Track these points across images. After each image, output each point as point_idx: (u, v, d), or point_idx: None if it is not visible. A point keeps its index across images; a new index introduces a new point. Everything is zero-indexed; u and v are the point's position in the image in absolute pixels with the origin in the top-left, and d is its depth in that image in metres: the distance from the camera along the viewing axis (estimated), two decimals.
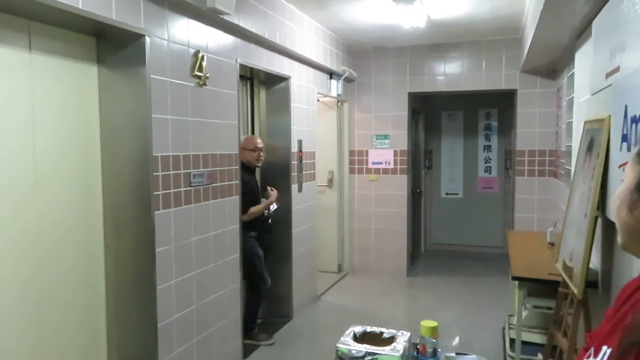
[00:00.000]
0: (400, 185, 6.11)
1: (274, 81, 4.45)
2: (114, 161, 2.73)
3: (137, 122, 2.69)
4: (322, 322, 4.57)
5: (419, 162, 7.28)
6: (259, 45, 3.88)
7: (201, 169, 3.16)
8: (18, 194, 2.26)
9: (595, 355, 0.89)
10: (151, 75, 2.69)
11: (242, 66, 3.68)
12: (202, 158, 3.17)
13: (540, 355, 3.28)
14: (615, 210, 0.85)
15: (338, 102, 5.92)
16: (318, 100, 5.30)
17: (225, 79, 3.41)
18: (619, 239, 0.88)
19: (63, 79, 2.49)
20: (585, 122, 2.94)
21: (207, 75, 3.16)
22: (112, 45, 2.67)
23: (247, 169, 3.94)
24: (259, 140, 4.06)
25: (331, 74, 5.48)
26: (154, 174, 2.73)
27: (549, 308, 3.07)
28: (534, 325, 3.63)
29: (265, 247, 4.19)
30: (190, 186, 3.06)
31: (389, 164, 6.09)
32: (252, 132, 4.49)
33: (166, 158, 2.83)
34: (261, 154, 4.05)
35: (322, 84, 5.30)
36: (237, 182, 3.60)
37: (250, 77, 4.40)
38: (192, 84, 3.06)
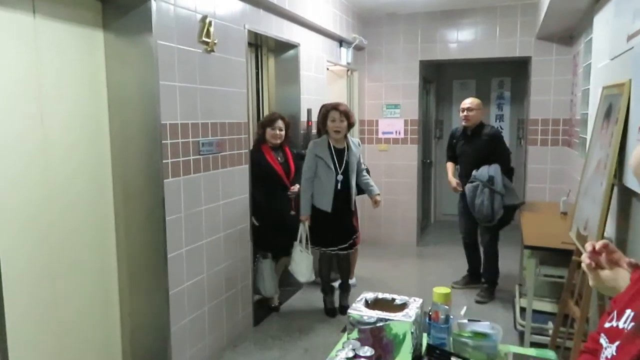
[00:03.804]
0: (410, 156, 6.06)
1: (283, 49, 4.37)
2: (123, 129, 2.71)
3: (145, 89, 2.65)
4: None
5: (430, 132, 7.20)
6: (267, 11, 3.79)
7: (210, 138, 3.12)
8: (26, 164, 2.25)
9: (619, 319, 0.86)
10: (158, 41, 2.63)
11: (251, 33, 3.61)
12: (211, 126, 3.14)
13: (550, 324, 3.28)
14: (635, 169, 0.81)
15: (348, 70, 5.82)
16: (327, 69, 5.21)
17: (234, 46, 3.35)
18: None
19: (68, 44, 2.45)
20: (603, 88, 2.86)
21: (215, 42, 3.09)
22: (117, 10, 2.61)
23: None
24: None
25: (341, 42, 5.37)
26: (163, 142, 2.71)
27: (560, 277, 3.05)
28: (545, 294, 3.62)
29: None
30: (200, 155, 3.03)
31: (400, 133, 6.03)
32: (262, 101, 4.44)
33: (175, 126, 2.80)
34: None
35: (331, 52, 5.20)
36: (246, 151, 3.58)
37: (259, 44, 4.32)
38: (200, 51, 3.00)
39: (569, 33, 5.11)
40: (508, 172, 4.25)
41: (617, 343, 0.82)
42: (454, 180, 4.51)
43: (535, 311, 3.30)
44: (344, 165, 3.87)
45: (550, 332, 3.12)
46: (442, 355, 1.56)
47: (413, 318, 1.55)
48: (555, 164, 5.45)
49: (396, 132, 6.01)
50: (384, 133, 6.09)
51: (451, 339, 1.70)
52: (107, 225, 2.73)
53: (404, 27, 5.87)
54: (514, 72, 6.85)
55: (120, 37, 2.63)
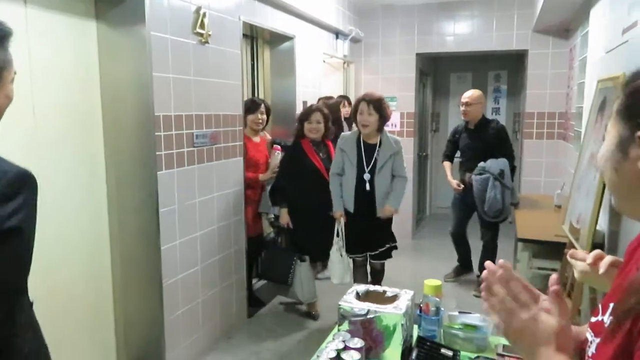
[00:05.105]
0: (406, 148, 5.98)
1: (278, 41, 4.35)
2: (116, 120, 2.69)
3: (138, 81, 2.63)
4: (326, 283, 4.60)
5: (426, 125, 7.19)
6: (263, 2, 3.77)
7: (204, 130, 3.11)
8: (16, 155, 2.23)
9: (604, 313, 0.86)
10: (151, 32, 2.62)
11: (246, 24, 3.59)
12: (205, 118, 3.12)
13: None
14: (603, 171, 0.81)
15: (344, 63, 5.80)
16: (324, 61, 5.19)
17: (228, 38, 3.33)
18: (613, 200, 0.85)
19: (60, 35, 2.43)
20: (598, 82, 2.85)
21: (210, 33, 3.08)
22: (110, 0, 2.59)
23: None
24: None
25: (337, 34, 5.35)
26: (156, 134, 2.70)
27: (553, 270, 3.06)
28: (538, 287, 3.63)
29: None
30: (194, 147, 3.02)
31: (396, 126, 6.02)
32: (257, 94, 4.42)
33: (168, 118, 2.79)
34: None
35: (328, 44, 5.18)
36: (241, 143, 3.56)
37: (254, 36, 4.29)
38: (194, 42, 2.99)
39: (566, 26, 5.10)
40: (511, 170, 4.23)
41: (599, 339, 0.82)
42: (454, 182, 4.46)
43: None
44: (372, 163, 3.41)
45: None
46: (432, 346, 1.57)
47: (403, 310, 1.55)
48: (551, 157, 5.46)
49: (392, 124, 6.00)
50: None
51: (442, 330, 1.71)
52: (100, 216, 2.73)
53: (401, 19, 5.84)
54: (511, 66, 6.84)
55: (113, 28, 2.61)
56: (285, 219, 3.66)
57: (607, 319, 0.85)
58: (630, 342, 0.68)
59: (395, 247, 3.60)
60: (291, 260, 3.67)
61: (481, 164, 4.12)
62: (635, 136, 0.73)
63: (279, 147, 3.93)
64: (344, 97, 4.96)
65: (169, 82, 2.79)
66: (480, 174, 4.11)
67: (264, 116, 3.87)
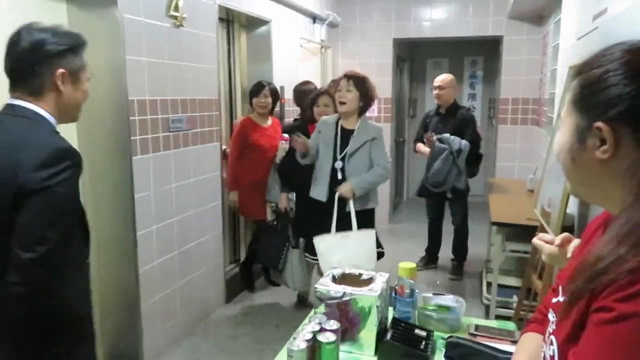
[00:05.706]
0: (384, 134, 6.07)
1: (254, 24, 4.30)
2: (89, 105, 2.60)
3: (111, 65, 2.59)
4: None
5: (403, 111, 7.23)
6: None
7: (180, 114, 3.08)
8: None
9: (564, 293, 0.90)
10: (124, 15, 2.57)
11: (222, 8, 3.54)
12: (181, 103, 3.09)
13: (515, 297, 3.39)
14: (561, 160, 0.84)
15: (322, 48, 5.77)
16: (301, 46, 5.16)
17: (203, 21, 3.28)
18: (568, 185, 0.88)
19: (29, 16, 2.35)
20: (569, 68, 2.90)
21: (184, 16, 3.03)
22: None
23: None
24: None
25: (314, 18, 5.32)
26: (131, 118, 2.66)
27: (526, 252, 3.14)
28: (511, 269, 3.73)
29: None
30: (169, 132, 2.99)
31: (373, 112, 6.03)
32: (234, 78, 4.38)
33: (142, 102, 2.75)
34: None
35: (305, 29, 5.15)
36: (218, 128, 3.54)
37: (230, 20, 4.24)
38: (168, 25, 2.94)
39: (540, 13, 5.16)
40: (477, 158, 4.25)
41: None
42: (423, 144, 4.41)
43: (501, 286, 3.41)
44: (346, 150, 3.13)
45: (515, 305, 3.22)
46: (407, 327, 1.60)
47: (379, 292, 1.58)
48: (525, 142, 5.56)
49: (370, 110, 6.00)
50: None
51: (416, 312, 1.75)
52: None
53: (378, 4, 5.83)
54: (487, 52, 6.91)
55: (84, 10, 2.55)
56: (283, 203, 3.65)
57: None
58: (586, 318, 0.71)
59: (382, 254, 3.29)
60: (283, 245, 3.59)
61: (446, 135, 4.13)
62: (592, 126, 0.75)
63: (286, 137, 3.76)
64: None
65: (143, 66, 2.75)
66: (442, 142, 4.11)
67: (269, 99, 3.82)
